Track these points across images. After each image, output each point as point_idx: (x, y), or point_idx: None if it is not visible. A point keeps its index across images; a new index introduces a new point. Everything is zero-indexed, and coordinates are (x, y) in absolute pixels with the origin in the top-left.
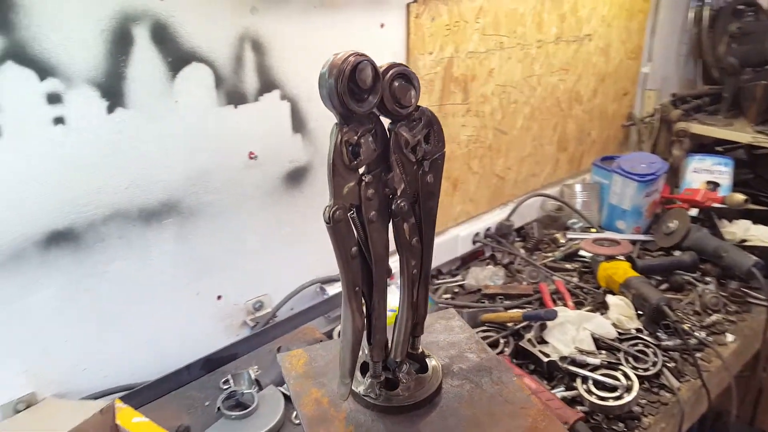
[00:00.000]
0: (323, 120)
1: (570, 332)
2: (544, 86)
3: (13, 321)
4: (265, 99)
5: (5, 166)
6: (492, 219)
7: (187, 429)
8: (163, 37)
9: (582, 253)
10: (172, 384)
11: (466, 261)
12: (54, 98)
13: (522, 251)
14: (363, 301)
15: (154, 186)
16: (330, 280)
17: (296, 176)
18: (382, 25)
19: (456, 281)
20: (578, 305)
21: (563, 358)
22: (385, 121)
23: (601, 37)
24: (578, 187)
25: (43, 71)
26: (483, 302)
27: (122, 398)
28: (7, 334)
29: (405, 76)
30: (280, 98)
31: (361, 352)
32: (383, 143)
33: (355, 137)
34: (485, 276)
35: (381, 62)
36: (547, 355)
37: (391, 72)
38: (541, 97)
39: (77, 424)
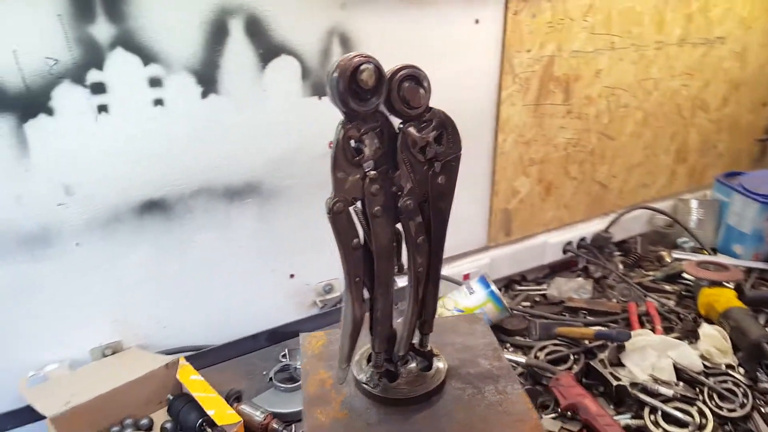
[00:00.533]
0: None
1: (650, 358)
2: (662, 91)
3: (110, 276)
4: None
5: (111, 139)
6: (588, 229)
7: (239, 393)
8: (256, 30)
9: (686, 275)
10: (236, 350)
11: (555, 270)
12: (155, 82)
13: (620, 266)
14: (365, 291)
15: (239, 167)
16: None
17: None
18: (476, 21)
19: (539, 290)
20: (667, 331)
21: (634, 384)
22: (397, 121)
23: (736, 40)
24: (694, 203)
25: (147, 57)
26: (564, 315)
27: (188, 357)
28: (104, 287)
29: (414, 77)
30: None
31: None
32: (391, 142)
33: (358, 134)
34: (570, 288)
35: (473, 57)
36: (617, 378)
37: (400, 74)
38: (657, 102)
39: (144, 373)
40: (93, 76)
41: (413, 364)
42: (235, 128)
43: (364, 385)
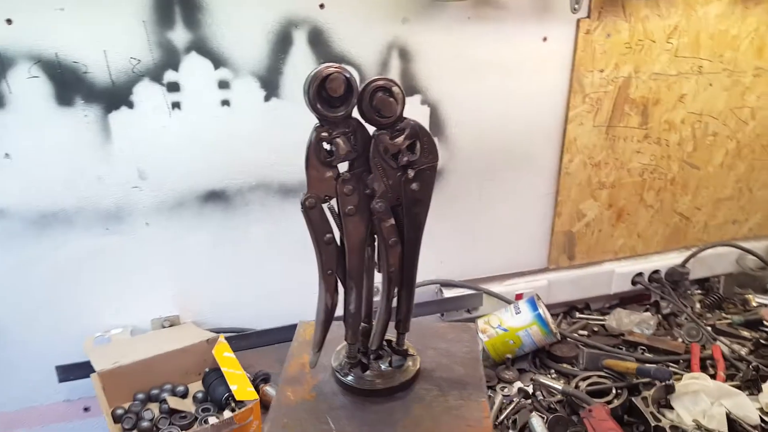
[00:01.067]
0: (463, 127)
1: (702, 404)
2: (760, 121)
3: (173, 256)
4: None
5: (181, 133)
6: (663, 262)
7: (267, 376)
8: (318, 40)
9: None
10: (277, 337)
11: (623, 301)
12: (223, 84)
13: (697, 305)
14: (338, 284)
15: (294, 167)
16: (449, 284)
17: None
18: (544, 39)
19: (599, 320)
20: (730, 378)
21: (675, 428)
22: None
23: None
24: None
25: (218, 62)
26: (620, 348)
27: (231, 337)
28: (167, 265)
29: (386, 89)
30: (420, 102)
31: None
32: (365, 146)
33: (329, 137)
34: (632, 321)
35: (539, 75)
36: (657, 419)
37: (373, 85)
38: (754, 133)
39: (186, 345)
40: (169, 76)
41: (387, 360)
42: (293, 130)
43: (336, 373)
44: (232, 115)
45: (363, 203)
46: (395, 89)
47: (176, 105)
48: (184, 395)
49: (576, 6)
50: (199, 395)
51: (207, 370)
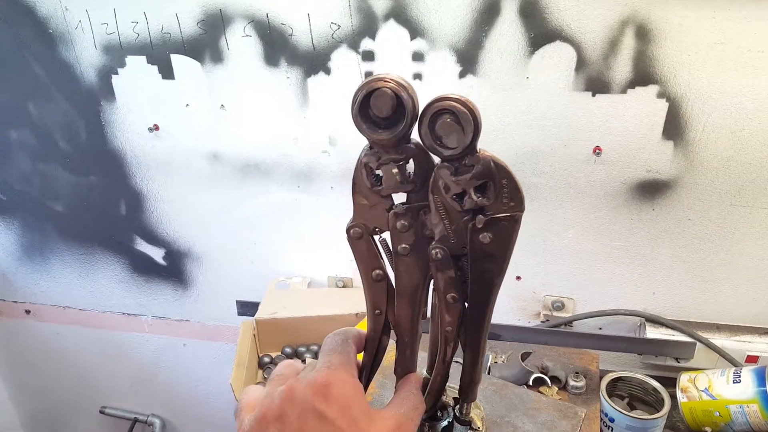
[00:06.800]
0: (715, 133)
1: None
2: None
3: None
4: (635, 93)
5: None
6: None
7: None
8: (531, 11)
9: None
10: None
11: None
12: (418, 56)
13: None
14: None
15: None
16: (657, 321)
17: (652, 189)
18: None
19: None
20: None
21: None
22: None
23: None
24: None
25: (415, 31)
26: None
27: None
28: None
29: (453, 113)
30: (656, 95)
31: None
32: (425, 178)
33: (377, 163)
34: None
35: None
36: None
37: (436, 105)
38: None
39: (336, 313)
40: (366, 44)
41: (443, 425)
42: (487, 112)
43: None
44: (422, 90)
45: (420, 244)
46: (464, 113)
47: (369, 75)
48: None
49: None
50: None
51: None
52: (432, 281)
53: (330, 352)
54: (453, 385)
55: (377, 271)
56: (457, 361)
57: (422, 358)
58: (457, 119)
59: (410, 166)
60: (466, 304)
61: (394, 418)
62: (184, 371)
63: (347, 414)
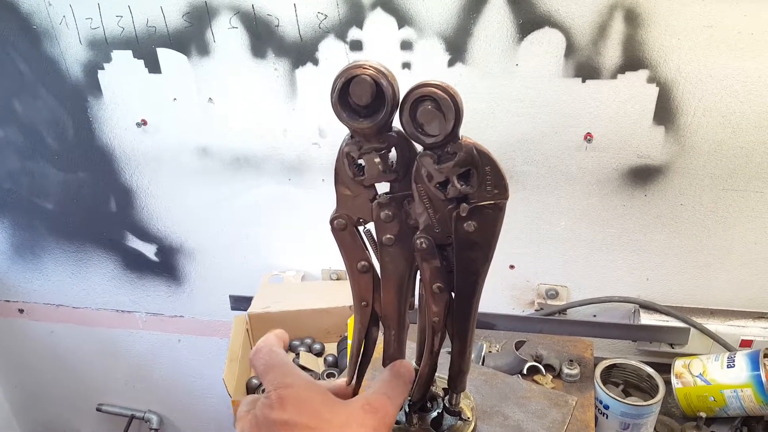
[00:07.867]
0: (706, 117)
1: None
2: None
3: None
4: (624, 78)
5: None
6: None
7: None
8: None
9: None
10: None
11: None
12: (406, 45)
13: None
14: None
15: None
16: (651, 307)
17: (643, 174)
18: None
19: None
20: None
21: None
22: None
23: None
24: None
25: (403, 20)
26: None
27: None
28: None
29: (434, 100)
30: (646, 80)
31: None
32: (407, 166)
33: (358, 152)
34: None
35: None
36: None
37: (416, 92)
38: None
39: (331, 306)
40: (353, 33)
41: (431, 415)
42: (477, 100)
43: None
44: (411, 78)
45: (405, 234)
46: (445, 99)
47: None
48: (319, 353)
49: None
50: (330, 358)
51: (345, 335)
52: (418, 271)
53: (266, 370)
54: (442, 375)
55: (362, 263)
56: (446, 351)
57: (411, 348)
58: (438, 106)
59: (392, 155)
60: (453, 294)
61: (363, 398)
62: (179, 367)
63: (306, 410)
